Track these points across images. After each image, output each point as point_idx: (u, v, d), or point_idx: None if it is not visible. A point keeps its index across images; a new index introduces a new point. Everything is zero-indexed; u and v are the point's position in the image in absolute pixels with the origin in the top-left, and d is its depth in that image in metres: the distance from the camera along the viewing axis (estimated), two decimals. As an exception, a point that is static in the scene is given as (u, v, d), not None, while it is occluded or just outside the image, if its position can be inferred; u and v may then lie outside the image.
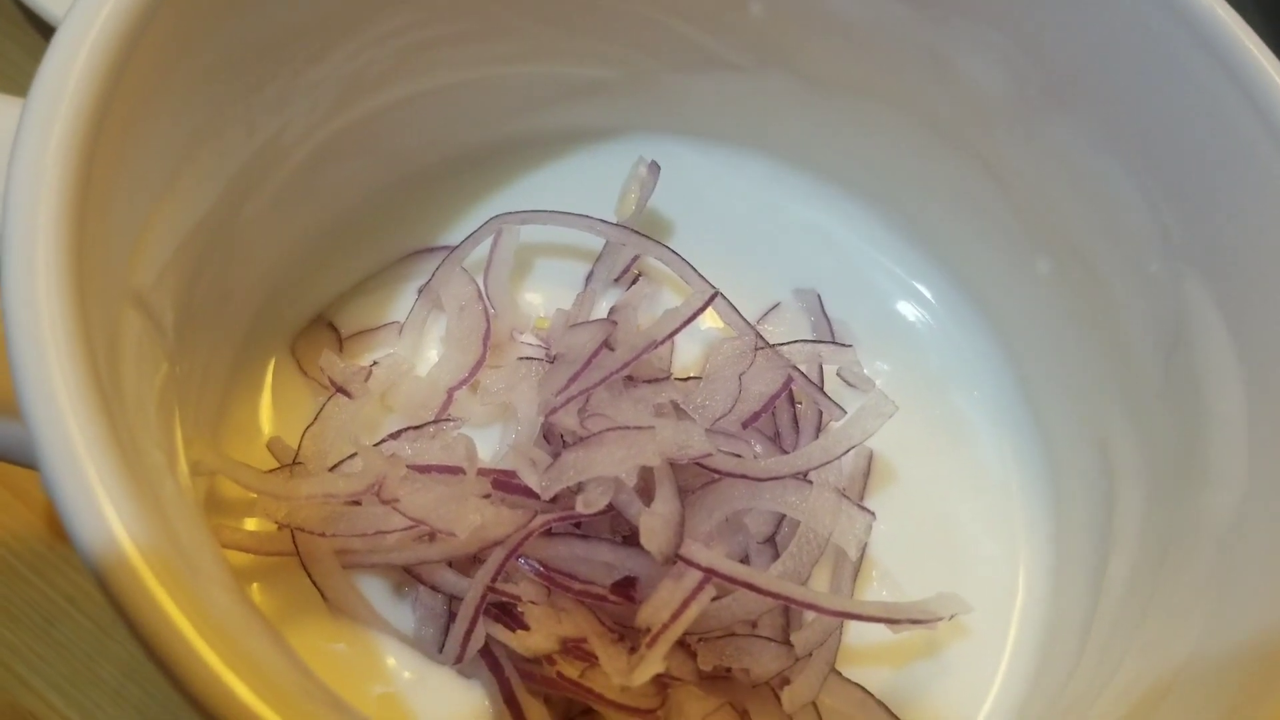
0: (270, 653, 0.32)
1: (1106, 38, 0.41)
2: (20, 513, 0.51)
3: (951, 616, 0.41)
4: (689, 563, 0.39)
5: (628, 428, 0.40)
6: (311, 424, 0.44)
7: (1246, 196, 0.39)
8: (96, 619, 0.50)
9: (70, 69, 0.30)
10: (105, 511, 0.26)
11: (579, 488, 0.40)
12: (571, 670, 0.39)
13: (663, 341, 0.44)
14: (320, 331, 0.48)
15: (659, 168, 0.51)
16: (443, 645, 0.41)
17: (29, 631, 0.49)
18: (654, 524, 0.39)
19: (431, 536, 0.41)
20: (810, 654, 0.41)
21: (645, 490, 0.41)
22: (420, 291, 0.49)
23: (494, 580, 0.39)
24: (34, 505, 0.52)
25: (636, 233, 0.49)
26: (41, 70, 0.30)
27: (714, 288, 0.47)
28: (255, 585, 0.42)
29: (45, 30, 0.59)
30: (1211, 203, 0.40)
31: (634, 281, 0.51)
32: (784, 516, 0.43)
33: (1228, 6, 0.39)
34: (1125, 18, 0.40)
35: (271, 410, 0.46)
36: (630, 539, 0.41)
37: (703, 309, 0.45)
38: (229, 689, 0.26)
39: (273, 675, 0.28)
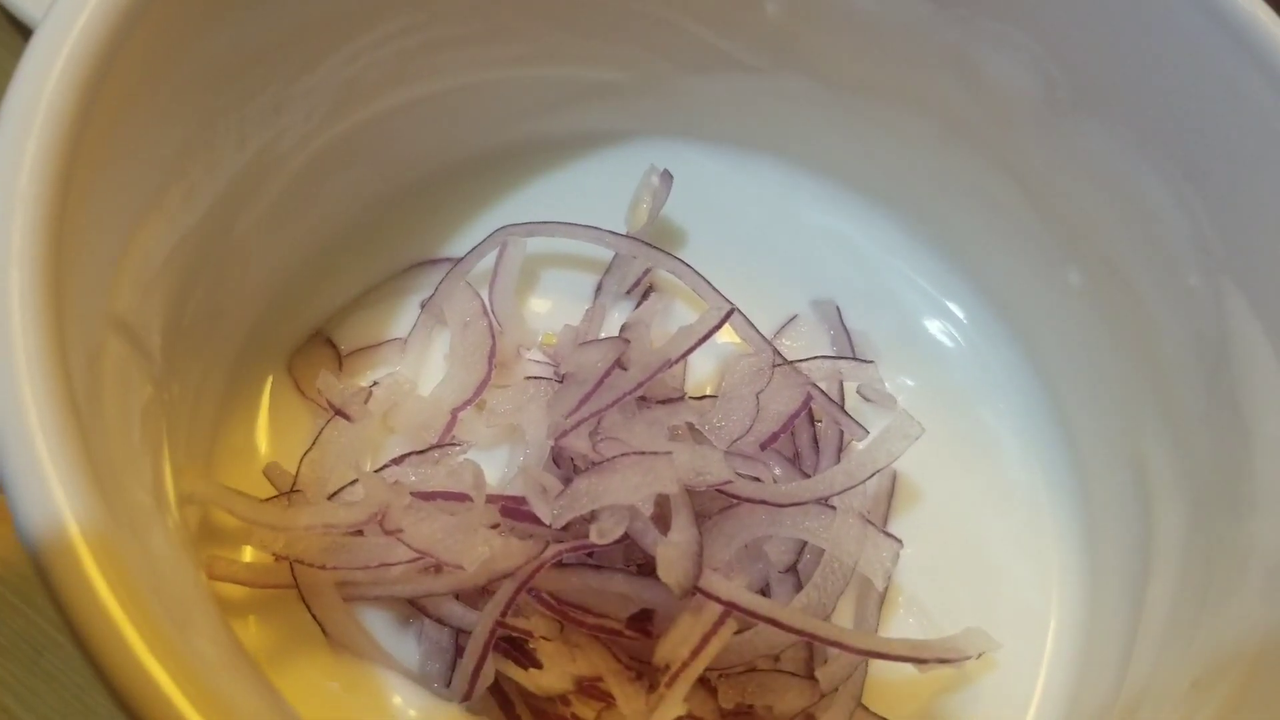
0: (258, 704, 0.30)
1: (1139, 39, 0.39)
2: (7, 539, 0.49)
3: (979, 655, 0.39)
4: (709, 596, 0.37)
5: (643, 453, 0.38)
6: (309, 449, 0.42)
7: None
8: (86, 648, 0.48)
9: (47, 77, 0.28)
10: (82, 559, 0.25)
11: (592, 516, 0.38)
12: (587, 712, 0.37)
13: (677, 360, 0.42)
14: (318, 349, 0.46)
15: (671, 177, 0.49)
16: (450, 681, 0.39)
17: (17, 662, 0.48)
18: (671, 555, 0.37)
19: (437, 568, 0.39)
20: (836, 689, 0.40)
21: (660, 517, 0.39)
22: (423, 306, 0.47)
23: (504, 614, 0.37)
24: (21, 530, 0.50)
25: (648, 244, 0.47)
26: (16, 79, 0.28)
27: (729, 302, 0.45)
28: (251, 619, 0.40)
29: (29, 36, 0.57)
30: (1254, 214, 0.38)
31: (645, 294, 0.49)
32: (806, 544, 0.41)
33: (1267, 7, 0.37)
34: (1158, 18, 0.38)
35: (268, 433, 0.44)
36: (645, 568, 0.39)
37: (718, 327, 0.43)
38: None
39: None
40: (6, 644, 0.48)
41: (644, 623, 0.38)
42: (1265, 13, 0.37)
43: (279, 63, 0.38)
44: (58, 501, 0.25)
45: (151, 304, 0.33)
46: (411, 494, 0.39)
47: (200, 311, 0.38)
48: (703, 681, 0.38)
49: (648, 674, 0.38)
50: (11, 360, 0.26)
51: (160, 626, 0.25)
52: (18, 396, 0.25)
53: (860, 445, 0.45)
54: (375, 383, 0.45)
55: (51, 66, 0.28)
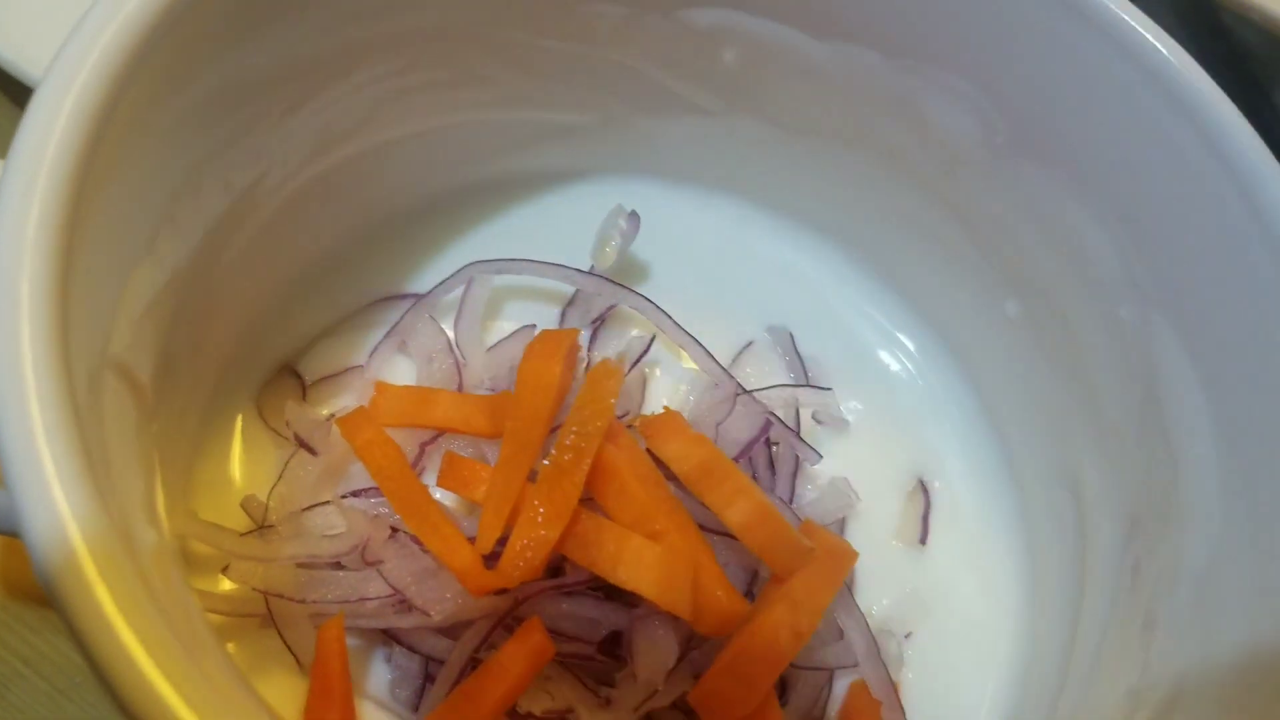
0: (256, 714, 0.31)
1: (1073, 88, 0.42)
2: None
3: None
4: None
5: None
6: (276, 483, 0.43)
7: (1213, 244, 0.39)
8: (53, 680, 0.48)
9: (48, 138, 0.29)
10: (96, 591, 0.26)
11: (561, 558, 0.39)
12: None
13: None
14: (285, 381, 0.47)
15: (639, 217, 0.51)
16: (417, 706, 0.40)
17: (-17, 695, 0.48)
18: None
19: (409, 605, 0.40)
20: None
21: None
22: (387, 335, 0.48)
23: (478, 650, 0.38)
24: (-14, 565, 0.50)
25: (611, 281, 0.49)
26: (18, 139, 0.29)
27: (689, 334, 0.47)
28: (230, 644, 0.41)
29: (15, 92, 0.58)
30: (1179, 250, 0.40)
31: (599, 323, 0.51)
32: (757, 572, 0.43)
33: (1191, 60, 0.40)
34: (1092, 69, 0.41)
35: (242, 464, 0.45)
36: (612, 592, 0.41)
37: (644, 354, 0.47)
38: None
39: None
40: (-28, 677, 0.48)
41: (613, 646, 0.40)
42: (1194, 71, 0.40)
43: (263, 109, 0.39)
44: (68, 527, 0.26)
45: (142, 341, 0.34)
46: (390, 525, 0.40)
47: (182, 346, 0.39)
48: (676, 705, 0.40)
49: (616, 701, 0.39)
50: (25, 403, 0.26)
51: (173, 650, 0.26)
52: (31, 435, 0.26)
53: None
54: (331, 415, 0.45)
55: (52, 127, 0.29)
